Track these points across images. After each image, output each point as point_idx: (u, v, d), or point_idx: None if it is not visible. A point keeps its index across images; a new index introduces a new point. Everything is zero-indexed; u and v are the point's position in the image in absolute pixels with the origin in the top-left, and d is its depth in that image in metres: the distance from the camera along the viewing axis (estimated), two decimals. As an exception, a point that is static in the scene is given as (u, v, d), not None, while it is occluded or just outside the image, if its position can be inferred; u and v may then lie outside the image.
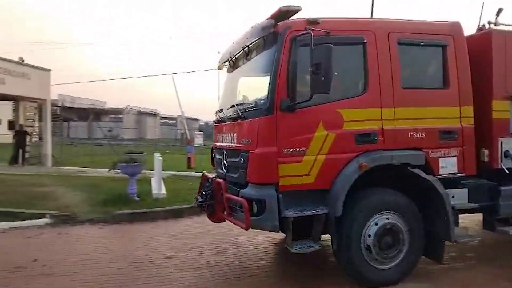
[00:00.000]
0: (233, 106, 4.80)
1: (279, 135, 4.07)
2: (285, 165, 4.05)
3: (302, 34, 4.00)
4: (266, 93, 4.14)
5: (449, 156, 4.60)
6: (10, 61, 17.00)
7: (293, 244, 4.14)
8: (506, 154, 4.80)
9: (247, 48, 4.61)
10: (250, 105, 4.49)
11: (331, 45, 3.81)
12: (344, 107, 4.25)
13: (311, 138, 4.11)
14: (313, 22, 4.16)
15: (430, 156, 4.51)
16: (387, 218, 4.27)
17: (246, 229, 4.16)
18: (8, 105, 24.98)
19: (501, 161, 4.78)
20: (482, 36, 5.04)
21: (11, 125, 20.05)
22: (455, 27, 4.77)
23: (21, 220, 7.15)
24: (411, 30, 4.60)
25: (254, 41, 4.42)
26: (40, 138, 19.67)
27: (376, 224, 4.23)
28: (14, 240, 6.26)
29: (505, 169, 4.80)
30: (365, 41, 4.33)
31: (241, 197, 4.17)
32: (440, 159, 4.56)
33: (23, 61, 18.08)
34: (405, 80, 4.53)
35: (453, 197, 4.59)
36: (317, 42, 3.98)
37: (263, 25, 4.23)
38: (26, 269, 4.94)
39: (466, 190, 4.68)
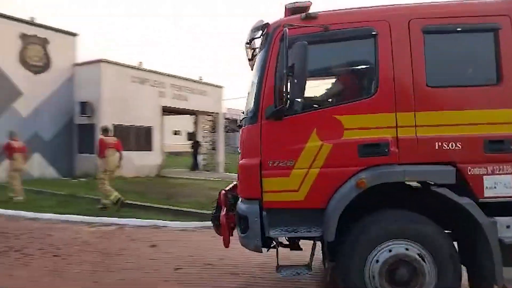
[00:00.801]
0: (242, 112, 4.60)
1: (264, 146, 3.69)
2: (270, 178, 3.65)
3: (292, 33, 3.57)
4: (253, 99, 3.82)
5: (501, 174, 3.46)
6: (193, 80, 21.16)
7: (281, 268, 3.69)
8: None
9: (246, 50, 4.36)
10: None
11: (306, 42, 3.30)
12: (344, 112, 3.61)
13: (301, 149, 3.60)
14: (309, 17, 3.68)
15: (469, 173, 3.47)
16: (407, 249, 3.44)
17: (226, 247, 3.90)
18: (184, 119, 29.86)
19: None
20: None
21: (191, 136, 24.70)
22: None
23: (206, 221, 7.50)
24: (444, 14, 3.64)
25: (247, 42, 4.13)
26: (213, 148, 23.09)
27: (385, 255, 3.45)
28: (203, 238, 6.86)
29: None
30: (375, 33, 3.61)
31: (235, 212, 3.93)
32: (485, 177, 3.46)
33: (202, 79, 22.10)
34: (434, 77, 3.61)
35: (508, 227, 3.44)
36: (312, 40, 3.53)
37: (254, 26, 3.93)
38: (215, 266, 5.35)
39: None
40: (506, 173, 3.46)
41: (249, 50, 4.39)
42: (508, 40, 3.51)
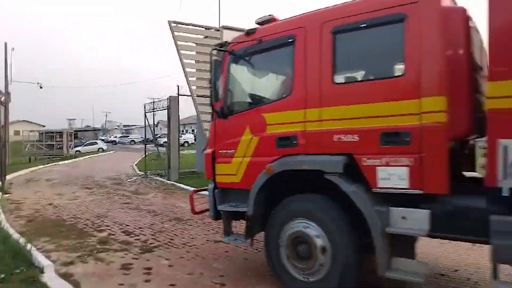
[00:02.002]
0: None
1: (217, 138, 4.77)
2: (220, 164, 4.71)
3: (238, 47, 4.52)
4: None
5: (394, 165, 3.46)
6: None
7: (226, 235, 4.71)
8: None
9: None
10: None
11: (217, 59, 4.22)
12: (268, 111, 4.30)
13: (239, 141, 4.51)
14: (249, 33, 4.54)
15: (364, 164, 3.61)
16: (304, 227, 3.93)
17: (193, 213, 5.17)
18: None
19: (504, 178, 2.97)
20: None
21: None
22: None
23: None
24: (353, 12, 3.79)
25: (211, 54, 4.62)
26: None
27: (290, 231, 4.02)
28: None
29: (505, 189, 2.96)
30: (293, 40, 4.14)
31: None
32: (379, 168, 3.53)
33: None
34: (340, 74, 3.87)
35: (403, 218, 3.44)
36: (249, 52, 4.46)
37: (215, 44, 4.88)
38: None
39: (427, 212, 3.33)
40: (401, 165, 3.43)
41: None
42: (413, 29, 3.42)
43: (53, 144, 30.90)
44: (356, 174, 3.65)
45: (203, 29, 7.08)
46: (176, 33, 9.21)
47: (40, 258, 5.11)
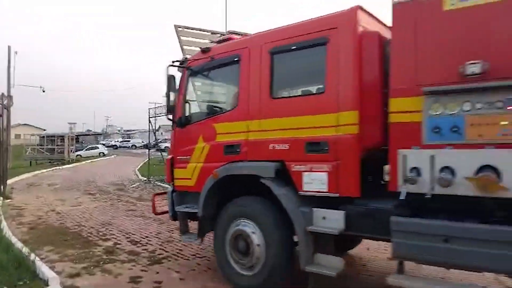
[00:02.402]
0: None
1: (175, 146, 5.26)
2: (177, 169, 5.20)
3: (195, 64, 5.03)
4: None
5: (317, 171, 3.92)
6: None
7: (182, 234, 5.18)
8: (417, 173, 3.35)
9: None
10: None
11: (172, 75, 4.72)
12: (218, 121, 4.79)
13: (194, 149, 4.99)
14: (205, 51, 5.04)
15: (293, 169, 4.07)
16: (243, 225, 4.39)
17: (154, 214, 5.65)
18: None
19: (411, 182, 3.38)
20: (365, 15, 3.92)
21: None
22: (345, 16, 3.91)
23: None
24: (287, 36, 4.27)
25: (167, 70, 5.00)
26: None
27: (232, 230, 4.48)
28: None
29: (403, 194, 3.38)
30: (238, 59, 4.63)
31: None
32: (304, 173, 3.99)
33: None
34: (277, 90, 4.35)
35: (324, 218, 3.90)
36: (204, 68, 4.96)
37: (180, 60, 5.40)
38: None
39: (342, 213, 3.78)
40: (322, 171, 3.88)
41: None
42: (333, 51, 3.89)
43: (54, 148, 31.09)
44: (287, 179, 4.11)
45: (209, 33, 7.32)
46: (182, 38, 9.51)
47: (44, 269, 4.90)
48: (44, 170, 23.22)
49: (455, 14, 3.22)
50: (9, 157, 17.87)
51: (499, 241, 2.97)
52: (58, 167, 25.73)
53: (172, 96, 4.90)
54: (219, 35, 6.97)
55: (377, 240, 3.78)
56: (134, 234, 7.36)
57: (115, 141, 64.43)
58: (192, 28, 7.41)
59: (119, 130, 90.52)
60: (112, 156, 41.46)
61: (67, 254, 5.98)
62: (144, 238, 7.06)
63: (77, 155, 35.80)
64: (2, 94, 12.30)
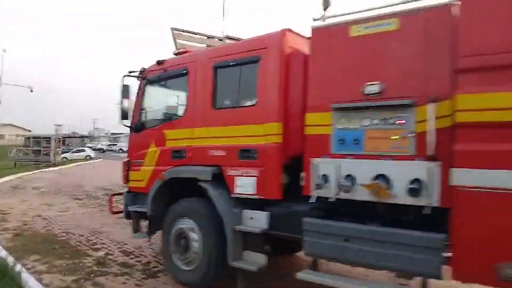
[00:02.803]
0: None
1: (131, 150, 5.67)
2: (132, 172, 5.60)
3: (151, 75, 5.46)
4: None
5: (246, 176, 4.34)
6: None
7: (134, 232, 5.58)
8: (325, 179, 3.78)
9: None
10: None
11: (127, 84, 5.15)
12: (168, 128, 5.21)
13: (146, 153, 5.40)
14: (159, 63, 5.47)
15: (228, 173, 4.49)
16: (183, 224, 4.79)
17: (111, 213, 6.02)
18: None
19: (318, 188, 3.81)
20: (294, 36, 4.37)
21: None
22: (274, 37, 4.37)
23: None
24: (228, 52, 4.73)
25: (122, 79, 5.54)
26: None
27: (175, 228, 4.88)
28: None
29: (313, 197, 3.82)
30: (187, 71, 5.07)
31: None
32: (236, 178, 4.42)
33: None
34: (219, 101, 4.78)
35: (251, 218, 4.32)
36: (158, 78, 5.39)
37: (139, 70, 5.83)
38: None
39: (266, 214, 4.20)
40: (251, 176, 4.31)
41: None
42: (263, 69, 4.35)
43: (40, 150, 30.53)
44: (224, 182, 4.53)
45: (206, 38, 7.46)
46: (178, 41, 9.44)
47: (31, 282, 4.68)
48: (29, 172, 22.97)
49: (359, 40, 3.69)
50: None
51: (387, 242, 3.40)
52: (43, 170, 25.40)
53: (126, 103, 5.31)
54: (216, 39, 7.17)
55: (295, 240, 4.17)
56: (126, 244, 6.86)
57: (101, 145, 64.21)
58: (189, 32, 7.23)
59: (106, 133, 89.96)
60: (99, 159, 41.37)
61: (55, 265, 5.58)
62: (137, 249, 6.54)
63: (63, 157, 35.46)
64: None
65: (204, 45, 7.03)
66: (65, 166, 29.81)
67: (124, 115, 5.41)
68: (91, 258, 5.98)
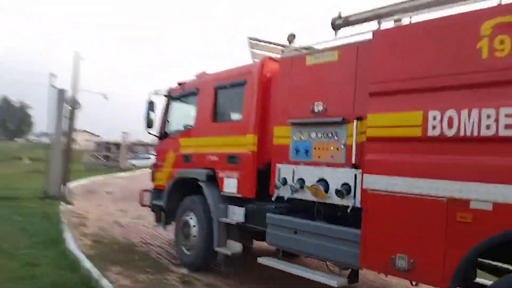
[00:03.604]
0: None
1: (157, 154, 6.97)
2: (157, 172, 6.88)
3: (174, 93, 6.75)
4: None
5: (231, 177, 5.31)
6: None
7: (156, 222, 6.83)
8: (284, 182, 4.62)
9: None
10: None
11: (152, 100, 6.45)
12: (182, 137, 6.39)
13: (166, 157, 6.65)
14: (180, 84, 6.72)
15: (219, 175, 5.50)
16: (187, 216, 5.90)
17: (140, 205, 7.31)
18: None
19: (277, 188, 4.65)
20: (274, 64, 5.15)
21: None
22: (256, 64, 5.31)
23: None
24: (225, 76, 5.77)
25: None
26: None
27: (182, 220, 6.01)
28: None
29: (274, 196, 4.66)
30: (197, 91, 6.22)
31: None
32: (225, 178, 5.40)
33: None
34: (218, 116, 5.83)
35: (234, 213, 5.27)
36: (179, 96, 6.68)
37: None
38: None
39: (243, 209, 5.12)
40: (234, 178, 5.27)
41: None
42: (246, 90, 5.30)
43: (109, 155, 32.00)
44: (216, 182, 5.55)
45: (280, 47, 7.35)
46: (254, 51, 9.54)
47: None
48: (100, 177, 23.44)
49: (311, 68, 4.47)
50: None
51: (320, 235, 4.11)
52: (113, 175, 25.69)
53: (151, 115, 6.64)
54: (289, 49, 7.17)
55: (261, 231, 4.93)
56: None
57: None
58: (265, 41, 6.67)
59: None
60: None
61: (139, 280, 5.35)
62: (217, 265, 5.75)
63: (132, 164, 34.89)
64: (72, 96, 12.81)
65: (278, 55, 6.46)
66: (134, 172, 29.31)
67: (149, 125, 6.75)
68: (175, 275, 5.61)
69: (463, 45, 3.14)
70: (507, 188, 2.83)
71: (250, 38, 5.89)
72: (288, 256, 5.27)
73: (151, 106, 6.67)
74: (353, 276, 4.16)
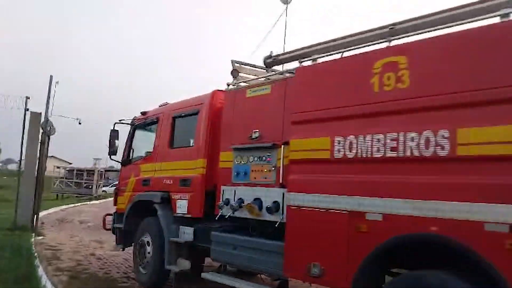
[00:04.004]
0: None
1: (120, 179, 7.36)
2: (120, 196, 7.24)
3: (138, 121, 7.25)
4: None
5: (183, 199, 5.73)
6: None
7: (116, 244, 7.12)
8: (227, 202, 5.05)
9: None
10: None
11: (115, 129, 6.92)
12: (142, 163, 6.84)
13: (128, 182, 7.04)
14: (143, 113, 7.23)
15: (173, 197, 5.92)
16: (145, 237, 6.24)
17: (103, 229, 7.60)
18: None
19: (220, 208, 5.09)
20: (220, 96, 5.74)
21: None
22: (207, 96, 5.88)
23: None
24: (182, 106, 6.32)
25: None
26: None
27: (139, 240, 6.35)
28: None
29: (217, 216, 5.08)
30: (157, 120, 6.74)
31: None
32: (177, 200, 5.81)
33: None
34: (174, 143, 6.32)
35: (184, 233, 5.64)
36: (142, 124, 7.16)
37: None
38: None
39: (192, 229, 5.51)
40: (185, 199, 5.69)
41: None
42: (199, 119, 5.84)
43: (81, 182, 31.07)
44: (171, 204, 5.95)
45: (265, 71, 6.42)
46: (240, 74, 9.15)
47: None
48: (72, 205, 23.01)
49: (250, 100, 5.04)
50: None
51: (254, 248, 4.53)
52: (86, 203, 25.29)
53: (114, 144, 7.09)
54: (276, 73, 6.26)
55: (207, 249, 5.33)
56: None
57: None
58: (250, 65, 6.50)
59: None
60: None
61: None
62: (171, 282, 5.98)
63: (103, 190, 34.55)
64: (47, 119, 11.85)
65: (262, 79, 6.43)
66: (106, 200, 28.27)
67: (113, 152, 7.18)
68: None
69: (359, 81, 3.74)
70: (393, 201, 3.35)
71: (234, 61, 5.94)
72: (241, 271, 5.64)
73: (114, 134, 7.14)
74: (283, 286, 4.55)
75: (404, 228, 3.27)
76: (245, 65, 6.07)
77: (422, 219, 3.14)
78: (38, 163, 11.56)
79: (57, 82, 12.21)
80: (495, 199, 2.81)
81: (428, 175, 3.20)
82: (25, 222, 11.22)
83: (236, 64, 5.81)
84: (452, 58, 3.23)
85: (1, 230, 10.59)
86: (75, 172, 32.53)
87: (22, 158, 11.59)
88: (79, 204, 24.06)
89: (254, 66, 6.14)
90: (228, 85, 5.52)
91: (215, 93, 5.82)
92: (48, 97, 11.57)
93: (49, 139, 11.99)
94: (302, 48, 4.55)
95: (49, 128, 11.80)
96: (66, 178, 31.78)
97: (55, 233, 11.82)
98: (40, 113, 11.65)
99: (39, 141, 11.46)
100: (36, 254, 8.03)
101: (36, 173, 11.65)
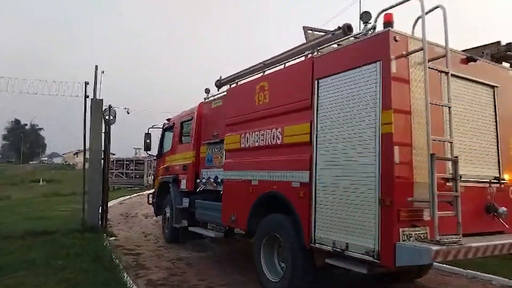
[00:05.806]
0: None
1: (156, 168, 10.31)
2: (155, 180, 10.19)
3: (164, 125, 10.13)
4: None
5: (183, 179, 8.34)
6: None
7: (155, 215, 10.10)
8: (202, 180, 7.55)
9: None
10: None
11: (148, 131, 9.84)
12: (166, 155, 9.63)
13: (159, 169, 9.93)
14: (168, 119, 10.05)
15: (179, 178, 8.57)
16: (166, 208, 9.04)
17: (148, 203, 10.60)
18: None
19: (198, 184, 7.61)
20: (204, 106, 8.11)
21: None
22: (196, 107, 8.36)
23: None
24: (184, 115, 8.92)
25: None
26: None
27: (164, 210, 9.18)
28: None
29: (198, 189, 7.57)
30: (174, 124, 9.46)
31: None
32: (181, 180, 8.45)
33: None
34: (181, 140, 8.96)
35: (184, 201, 8.27)
36: (167, 128, 10.05)
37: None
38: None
39: (188, 198, 8.10)
40: (184, 179, 8.28)
41: None
42: (193, 123, 8.37)
43: (130, 173, 30.72)
44: (178, 183, 8.62)
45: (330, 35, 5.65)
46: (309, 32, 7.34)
47: None
48: (128, 197, 21.40)
49: (213, 109, 7.41)
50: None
51: (212, 208, 6.91)
52: (139, 193, 23.50)
53: (148, 142, 10.04)
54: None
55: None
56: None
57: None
58: (319, 30, 6.44)
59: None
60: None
61: None
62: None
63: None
64: (109, 107, 10.34)
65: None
66: None
67: (147, 149, 10.16)
68: None
69: (249, 98, 5.87)
70: (261, 172, 5.47)
71: (305, 28, 6.06)
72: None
73: (148, 135, 10.09)
74: (229, 232, 6.88)
75: (266, 187, 5.38)
76: (317, 31, 6.11)
77: (271, 182, 5.24)
78: (104, 154, 10.05)
79: (102, 72, 10.38)
80: (294, 168, 4.82)
81: (274, 156, 5.28)
82: (94, 220, 9.58)
83: (309, 31, 6.09)
84: (281, 84, 5.27)
85: (70, 232, 8.87)
86: (124, 163, 31.48)
87: (86, 148, 10.22)
88: (134, 195, 22.25)
89: (324, 31, 6.02)
90: (205, 99, 7.97)
91: (201, 104, 8.28)
92: (95, 87, 9.96)
93: (109, 128, 10.46)
94: (235, 74, 6.79)
95: (112, 116, 10.40)
96: (115, 170, 30.11)
97: (126, 231, 10.43)
98: (102, 100, 10.16)
99: (103, 131, 10.06)
100: (117, 262, 6.62)
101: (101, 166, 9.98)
